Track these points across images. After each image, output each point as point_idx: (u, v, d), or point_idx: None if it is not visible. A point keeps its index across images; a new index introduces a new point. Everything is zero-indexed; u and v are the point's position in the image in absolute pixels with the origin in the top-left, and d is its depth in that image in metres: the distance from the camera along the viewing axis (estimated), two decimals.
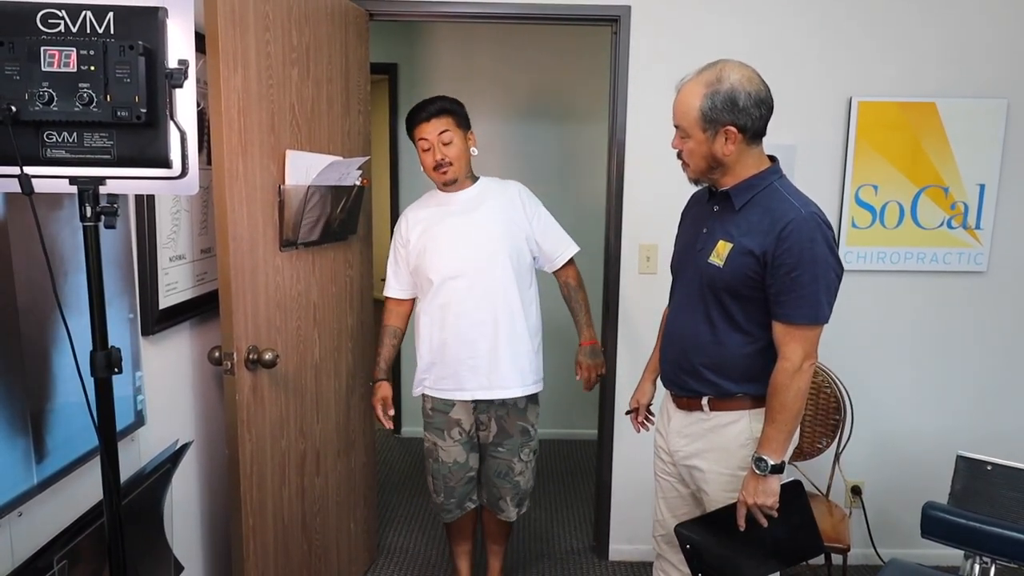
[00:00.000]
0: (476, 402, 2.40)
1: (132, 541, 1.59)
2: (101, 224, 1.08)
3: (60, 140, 1.02)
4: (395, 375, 4.13)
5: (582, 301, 2.52)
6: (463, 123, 2.37)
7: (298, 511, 2.26)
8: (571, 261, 2.50)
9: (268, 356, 1.97)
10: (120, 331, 1.65)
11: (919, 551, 2.72)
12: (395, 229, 2.49)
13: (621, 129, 2.75)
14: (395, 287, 2.49)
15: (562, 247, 2.48)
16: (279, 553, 2.15)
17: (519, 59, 4.01)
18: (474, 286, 2.31)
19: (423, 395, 2.46)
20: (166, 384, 1.93)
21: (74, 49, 1.00)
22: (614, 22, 2.71)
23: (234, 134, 1.86)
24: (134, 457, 1.73)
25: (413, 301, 2.50)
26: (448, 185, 2.37)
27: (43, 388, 1.39)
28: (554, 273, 2.51)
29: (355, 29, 2.55)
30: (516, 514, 2.55)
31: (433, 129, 2.31)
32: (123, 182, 1.08)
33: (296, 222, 2.15)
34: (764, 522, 1.71)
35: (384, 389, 2.47)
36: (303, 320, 2.26)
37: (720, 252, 1.73)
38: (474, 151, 2.42)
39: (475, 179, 2.44)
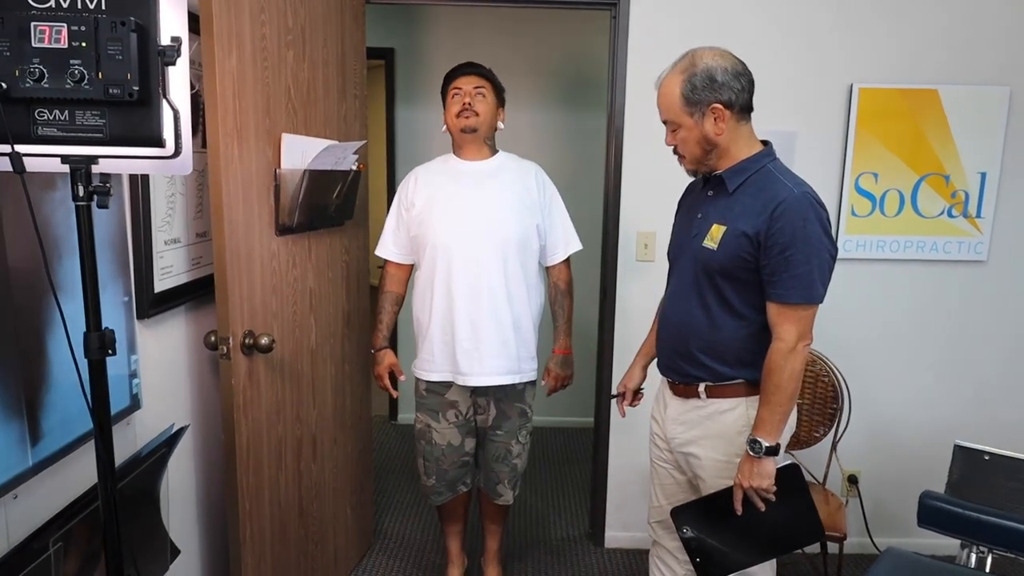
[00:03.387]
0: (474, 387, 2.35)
1: (128, 525, 1.58)
2: (94, 204, 1.06)
3: (52, 118, 1.01)
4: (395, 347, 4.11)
5: (566, 308, 2.46)
6: (499, 95, 2.37)
7: (295, 496, 2.26)
8: (567, 261, 2.44)
9: (264, 341, 1.96)
10: (115, 314, 1.64)
11: (915, 540, 2.72)
12: (400, 186, 2.41)
13: (620, 115, 2.73)
14: (393, 251, 2.41)
15: (563, 242, 2.41)
16: (275, 538, 2.15)
17: (518, 44, 3.98)
18: (477, 264, 2.25)
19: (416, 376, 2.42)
20: (162, 368, 1.92)
21: (65, 25, 0.98)
22: (613, 6, 2.69)
23: (229, 117, 1.84)
24: (130, 441, 1.72)
25: (412, 266, 2.43)
26: (466, 132, 2.28)
27: (38, 370, 1.37)
28: (547, 268, 2.45)
29: (351, 12, 2.53)
30: (513, 496, 2.53)
31: (470, 82, 2.30)
32: (116, 161, 1.06)
33: (292, 207, 2.13)
34: (761, 505, 1.71)
35: (390, 356, 2.43)
36: (299, 305, 2.25)
37: (714, 235, 1.73)
38: (500, 125, 2.38)
39: (494, 151, 2.39)
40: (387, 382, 2.43)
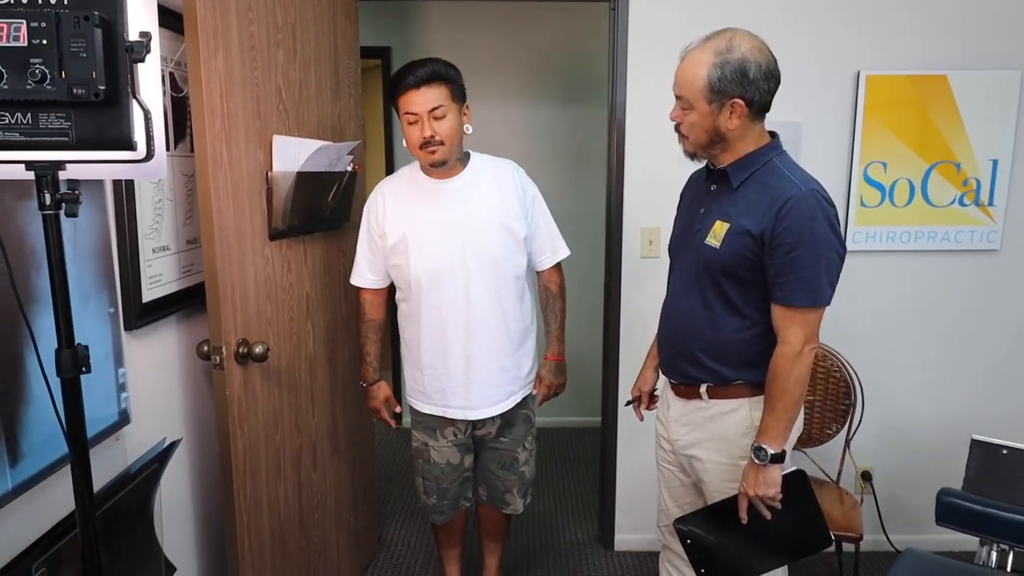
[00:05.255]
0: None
1: (119, 543, 1.53)
2: (62, 212, 1.00)
3: (13, 122, 0.94)
4: (395, 363, 4.06)
5: (558, 311, 2.31)
6: (459, 94, 2.05)
7: (295, 507, 2.20)
8: (557, 264, 2.30)
9: (259, 349, 1.90)
10: (100, 327, 1.58)
11: (932, 536, 2.67)
12: (367, 208, 2.19)
13: (621, 109, 2.67)
14: (370, 278, 2.22)
15: (550, 249, 2.25)
16: (276, 550, 2.09)
17: (516, 39, 3.92)
18: (467, 295, 2.09)
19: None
20: (152, 380, 1.86)
21: (24, 21, 0.91)
22: None
23: (217, 119, 1.78)
24: (119, 457, 1.66)
25: (389, 287, 2.26)
26: (436, 167, 2.07)
27: (16, 388, 1.31)
28: (536, 272, 2.31)
29: (343, 9, 2.47)
30: (523, 505, 2.40)
31: (424, 101, 1.97)
32: (83, 166, 0.99)
33: (285, 210, 2.08)
34: (767, 514, 1.66)
35: (384, 389, 2.30)
36: (295, 311, 2.19)
37: (717, 233, 1.66)
38: (468, 128, 2.09)
39: (466, 159, 2.15)
40: (385, 415, 2.30)
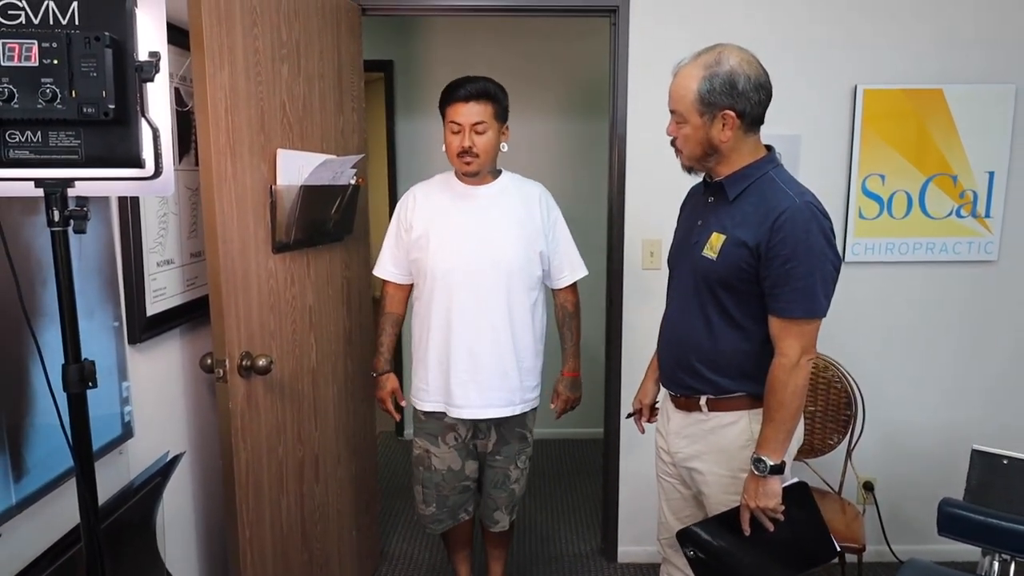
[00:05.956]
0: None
1: (122, 557, 1.53)
2: (70, 229, 1.01)
3: (24, 140, 0.95)
4: (398, 368, 4.05)
5: (574, 330, 2.40)
6: (502, 115, 2.20)
7: (297, 520, 2.20)
8: (573, 284, 2.38)
9: (262, 362, 1.91)
10: (104, 340, 1.59)
11: (934, 547, 2.66)
12: (399, 205, 2.33)
13: (622, 122, 2.69)
14: (392, 271, 2.34)
15: (568, 268, 2.35)
16: (278, 564, 2.09)
17: (518, 53, 3.94)
18: (477, 295, 2.18)
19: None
20: (156, 394, 1.87)
21: (35, 42, 0.92)
22: (612, 13, 2.65)
23: (222, 133, 1.80)
24: (122, 470, 1.67)
25: (412, 286, 2.36)
26: (468, 176, 2.21)
27: (20, 402, 1.32)
28: (553, 291, 2.40)
29: (347, 24, 2.49)
30: (509, 522, 2.45)
31: (469, 114, 2.14)
32: (93, 184, 1.01)
33: (289, 223, 2.09)
34: (770, 526, 1.67)
35: (392, 381, 2.37)
36: (299, 324, 2.20)
37: (714, 245, 1.68)
38: (504, 147, 2.24)
39: (497, 174, 2.29)
40: (390, 406, 2.38)
